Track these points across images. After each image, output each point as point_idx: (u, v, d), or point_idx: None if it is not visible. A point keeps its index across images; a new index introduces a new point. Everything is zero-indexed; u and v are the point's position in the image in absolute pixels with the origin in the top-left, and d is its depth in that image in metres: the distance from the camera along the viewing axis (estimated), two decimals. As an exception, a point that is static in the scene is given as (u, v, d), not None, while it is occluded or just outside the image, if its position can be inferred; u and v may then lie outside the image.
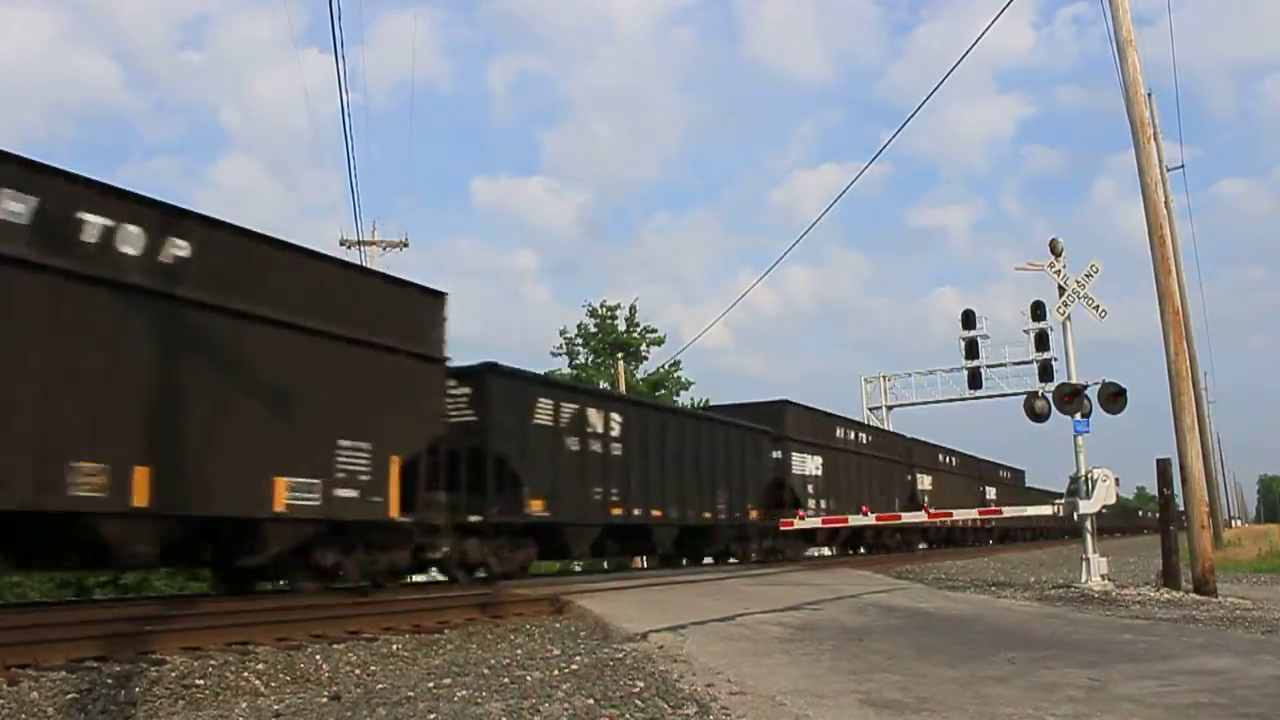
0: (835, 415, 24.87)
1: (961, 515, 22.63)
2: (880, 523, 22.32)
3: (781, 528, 18.97)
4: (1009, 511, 20.51)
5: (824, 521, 19.64)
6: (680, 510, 16.83)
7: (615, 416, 15.37)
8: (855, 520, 20.51)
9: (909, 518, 22.12)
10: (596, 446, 14.65)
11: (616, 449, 15.14)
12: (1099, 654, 6.61)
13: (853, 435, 25.52)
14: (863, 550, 26.24)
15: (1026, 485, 44.68)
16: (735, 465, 18.88)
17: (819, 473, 22.62)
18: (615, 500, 14.89)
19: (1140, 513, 76.84)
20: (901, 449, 29.47)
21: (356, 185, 78.65)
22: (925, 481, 30.36)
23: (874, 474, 26.12)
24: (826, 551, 25.41)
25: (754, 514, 19.35)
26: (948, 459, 33.49)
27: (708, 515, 17.85)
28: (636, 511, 15.48)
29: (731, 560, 19.22)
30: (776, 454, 20.89)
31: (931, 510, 23.27)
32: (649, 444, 16.08)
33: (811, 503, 21.58)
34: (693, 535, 17.70)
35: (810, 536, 22.11)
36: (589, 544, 15.11)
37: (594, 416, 14.79)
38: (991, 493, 37.13)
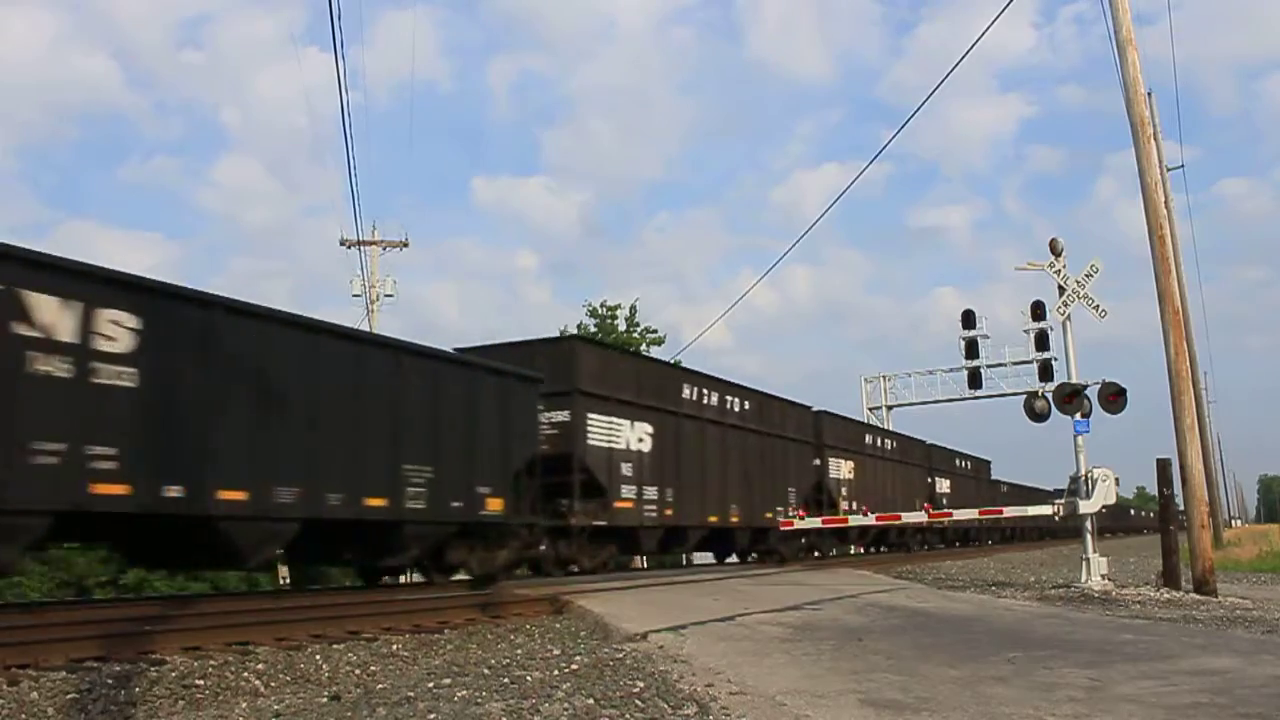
0: (679, 368, 18.60)
1: (962, 515, 22.59)
2: (880, 523, 22.16)
3: (783, 528, 18.71)
4: (1009, 512, 20.47)
5: (825, 521, 19.35)
6: (306, 495, 9.87)
7: (119, 317, 8.41)
8: (856, 520, 20.40)
9: (909, 518, 21.96)
10: (56, 367, 7.87)
11: (120, 375, 8.36)
12: (1099, 654, 6.61)
13: (714, 398, 18.38)
14: (753, 557, 19.88)
15: (993, 478, 39.81)
16: (456, 425, 12.02)
17: (646, 449, 15.95)
18: (106, 468, 8.14)
19: (1132, 512, 76.18)
20: (801, 423, 22.25)
21: (356, 185, 78.67)
22: (843, 469, 23.76)
23: (751, 455, 19.39)
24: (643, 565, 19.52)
25: (495, 505, 12.45)
26: (879, 441, 27.14)
27: (378, 503, 10.79)
28: (171, 492, 8.62)
29: (455, 578, 12.82)
30: (560, 415, 14.38)
31: (933, 510, 23.13)
32: (218, 373, 9.25)
33: (629, 490, 15.42)
34: (338, 536, 10.89)
35: (630, 539, 16.08)
36: (24, 547, 8.04)
37: (50, 309, 7.86)
38: (944, 485, 31.45)
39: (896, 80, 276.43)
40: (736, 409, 19.25)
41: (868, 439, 26.57)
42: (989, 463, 39.14)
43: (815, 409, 23.51)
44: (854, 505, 23.26)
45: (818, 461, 22.78)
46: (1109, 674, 5.64)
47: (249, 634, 7.23)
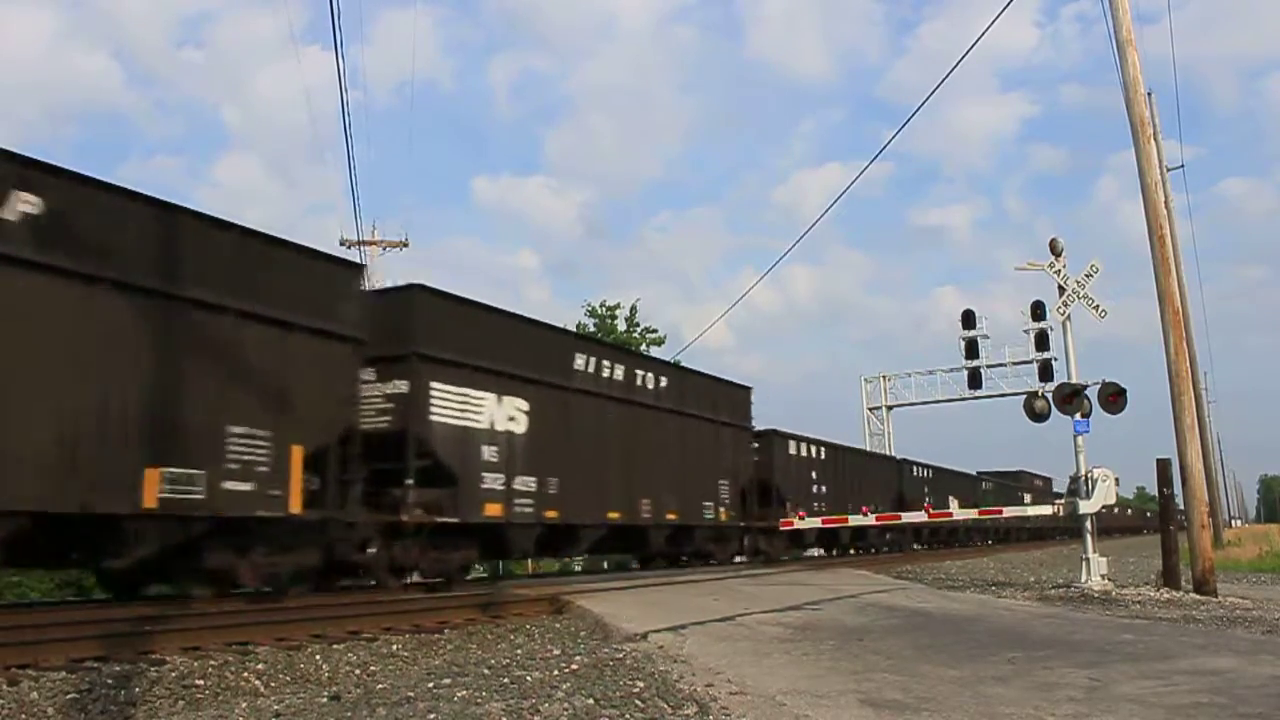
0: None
1: (962, 515, 22.58)
2: (880, 523, 22.16)
3: (782, 528, 18.80)
4: (1009, 512, 20.51)
5: (824, 521, 19.44)
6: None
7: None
8: (855, 520, 20.39)
9: (909, 517, 21.94)
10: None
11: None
12: (1099, 654, 6.61)
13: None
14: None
15: (756, 427, 21.05)
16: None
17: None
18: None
19: (1114, 509, 73.47)
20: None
21: (356, 184, 78.44)
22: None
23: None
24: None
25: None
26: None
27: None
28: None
29: None
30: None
31: (932, 510, 23.10)
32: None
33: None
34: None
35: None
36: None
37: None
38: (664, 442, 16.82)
39: (898, 79, 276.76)
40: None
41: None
42: (747, 390, 19.89)
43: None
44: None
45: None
46: (1109, 674, 5.64)
47: (249, 634, 7.23)
